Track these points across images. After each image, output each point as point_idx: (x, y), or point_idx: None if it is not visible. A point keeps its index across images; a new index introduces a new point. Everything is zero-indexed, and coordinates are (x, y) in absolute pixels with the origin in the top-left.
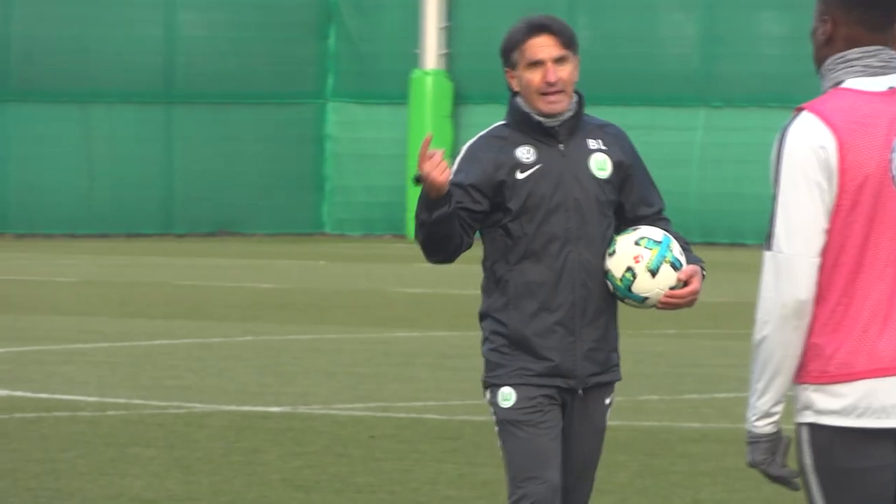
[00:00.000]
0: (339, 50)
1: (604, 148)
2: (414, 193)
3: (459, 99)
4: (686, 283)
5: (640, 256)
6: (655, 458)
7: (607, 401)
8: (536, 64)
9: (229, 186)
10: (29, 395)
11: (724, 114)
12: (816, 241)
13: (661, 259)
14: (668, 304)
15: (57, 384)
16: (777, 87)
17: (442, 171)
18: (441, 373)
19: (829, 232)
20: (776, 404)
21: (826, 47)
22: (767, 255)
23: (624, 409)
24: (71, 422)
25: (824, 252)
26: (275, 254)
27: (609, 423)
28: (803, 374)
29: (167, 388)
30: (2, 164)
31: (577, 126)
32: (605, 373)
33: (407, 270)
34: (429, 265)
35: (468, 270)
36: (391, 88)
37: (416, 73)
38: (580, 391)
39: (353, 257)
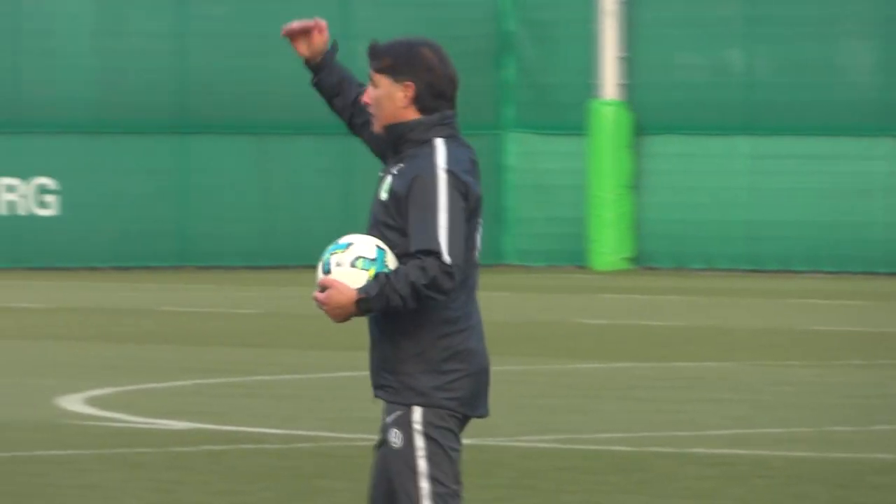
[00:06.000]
0: (517, 80)
1: (395, 172)
2: (596, 223)
3: (639, 129)
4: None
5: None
6: (846, 490)
7: (388, 419)
8: None
9: None
10: (215, 427)
11: None
12: None
13: (321, 258)
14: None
15: (242, 417)
16: None
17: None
18: (628, 404)
19: None
20: None
21: None
22: None
23: (812, 440)
24: (257, 454)
25: None
26: None
27: (800, 453)
28: None
29: (353, 420)
30: (182, 198)
31: (397, 147)
32: (377, 388)
33: (591, 301)
34: (615, 296)
35: (656, 301)
36: (570, 119)
37: (594, 104)
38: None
39: (536, 288)
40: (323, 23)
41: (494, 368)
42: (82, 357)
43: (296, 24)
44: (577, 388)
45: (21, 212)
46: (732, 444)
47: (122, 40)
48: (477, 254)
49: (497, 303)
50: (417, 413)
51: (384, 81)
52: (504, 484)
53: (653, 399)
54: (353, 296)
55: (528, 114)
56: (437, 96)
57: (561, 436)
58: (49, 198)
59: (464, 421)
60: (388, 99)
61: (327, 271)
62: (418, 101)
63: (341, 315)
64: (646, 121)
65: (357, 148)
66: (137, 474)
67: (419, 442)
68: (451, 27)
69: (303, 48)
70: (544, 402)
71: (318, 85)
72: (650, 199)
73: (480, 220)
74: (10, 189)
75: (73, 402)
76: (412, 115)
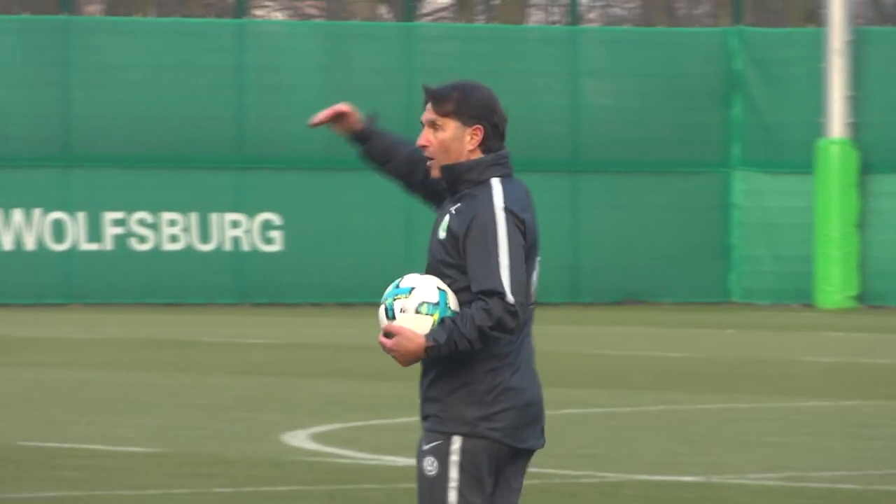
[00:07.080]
0: (744, 119)
1: (453, 212)
2: (822, 261)
3: (866, 168)
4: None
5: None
6: None
7: (425, 446)
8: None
9: (635, 255)
10: None
11: None
12: None
13: (383, 301)
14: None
15: None
16: None
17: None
18: (856, 442)
19: None
20: None
21: None
22: None
23: None
24: None
25: None
26: (682, 322)
27: None
28: None
29: (579, 456)
30: (409, 234)
31: (454, 187)
32: (424, 419)
33: (817, 339)
34: (841, 335)
35: (883, 339)
36: (797, 157)
37: (821, 142)
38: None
39: (761, 326)
40: (341, 107)
41: (721, 406)
42: (307, 393)
43: (319, 117)
44: (804, 425)
45: (246, 247)
46: None
47: (349, 76)
48: (534, 290)
49: (723, 340)
50: (457, 443)
51: (452, 125)
52: None
53: (880, 437)
54: (423, 343)
55: (754, 152)
56: (500, 137)
57: (787, 473)
58: (274, 233)
59: (513, 454)
60: (457, 142)
61: (392, 317)
62: (484, 144)
63: (410, 361)
64: (872, 159)
65: (583, 184)
66: None
67: (454, 472)
68: (680, 66)
69: (340, 130)
70: (771, 440)
71: (365, 154)
72: (876, 237)
73: (538, 258)
74: (235, 225)
75: (298, 438)
76: (476, 156)
